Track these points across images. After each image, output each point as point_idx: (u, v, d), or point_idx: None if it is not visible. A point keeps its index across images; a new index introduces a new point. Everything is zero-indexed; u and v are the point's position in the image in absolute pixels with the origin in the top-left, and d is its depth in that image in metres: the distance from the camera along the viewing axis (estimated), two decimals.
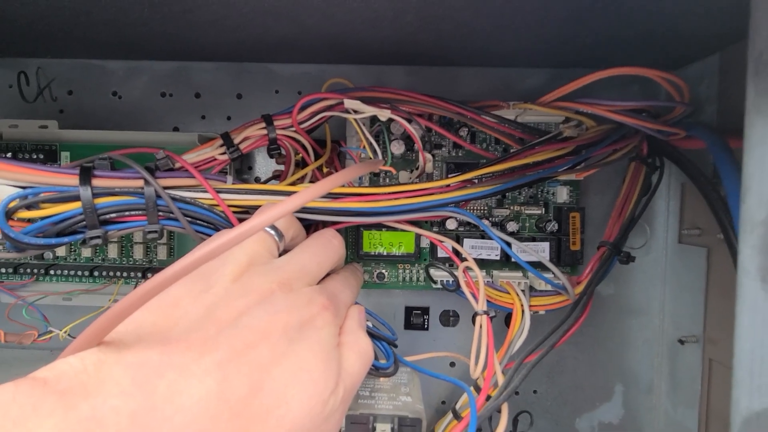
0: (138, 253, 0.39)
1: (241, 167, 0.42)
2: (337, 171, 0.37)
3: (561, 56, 0.38)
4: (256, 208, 0.31)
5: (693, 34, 0.32)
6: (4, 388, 0.16)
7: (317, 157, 0.35)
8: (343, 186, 0.32)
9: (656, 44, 0.34)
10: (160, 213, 0.28)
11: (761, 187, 0.20)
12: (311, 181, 0.35)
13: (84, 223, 0.27)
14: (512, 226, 0.38)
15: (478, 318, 0.32)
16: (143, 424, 0.17)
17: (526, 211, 0.39)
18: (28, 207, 0.26)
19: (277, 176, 0.38)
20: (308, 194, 0.22)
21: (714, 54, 0.36)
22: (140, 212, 0.28)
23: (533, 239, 0.38)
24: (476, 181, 0.35)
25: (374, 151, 0.33)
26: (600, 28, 0.31)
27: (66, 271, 0.38)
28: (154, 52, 0.40)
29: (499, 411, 0.30)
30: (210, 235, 0.30)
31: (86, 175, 0.27)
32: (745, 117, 0.21)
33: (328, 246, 0.29)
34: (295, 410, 0.20)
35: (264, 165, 0.42)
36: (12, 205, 0.26)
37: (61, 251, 0.39)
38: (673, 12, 0.28)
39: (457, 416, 0.36)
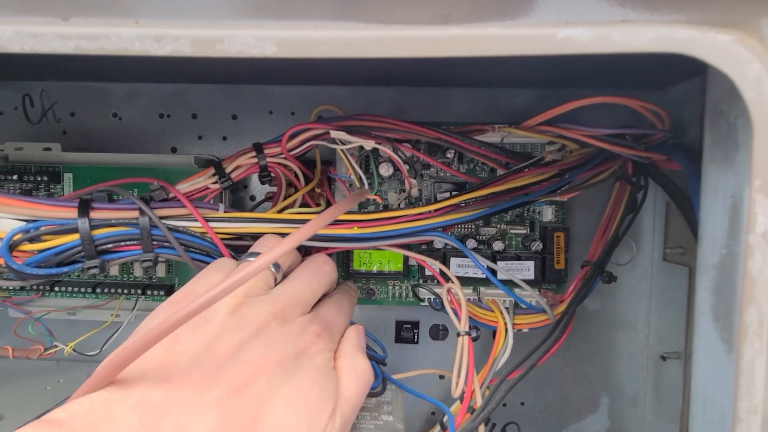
0: (138, 270, 0.40)
1: (237, 186, 0.43)
2: (326, 193, 0.38)
3: (547, 79, 0.39)
4: (247, 235, 0.32)
5: (675, 57, 0.32)
6: (23, 431, 0.17)
7: (308, 180, 0.36)
8: None
9: (640, 67, 0.34)
10: (155, 242, 0.30)
11: (714, 233, 0.20)
12: (302, 205, 0.37)
13: (83, 253, 0.29)
14: (498, 245, 0.39)
15: (459, 339, 0.33)
16: None
17: (512, 231, 0.40)
18: (30, 240, 0.28)
19: (270, 198, 0.39)
20: (301, 235, 0.25)
21: (697, 76, 0.36)
22: (135, 242, 0.29)
23: (518, 258, 0.39)
24: (463, 204, 0.36)
25: (361, 180, 0.34)
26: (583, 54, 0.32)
27: (70, 288, 0.40)
28: (153, 75, 0.41)
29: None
30: (204, 262, 0.31)
31: (84, 208, 0.29)
32: (702, 164, 0.21)
33: (321, 272, 0.30)
34: None
35: (258, 184, 0.43)
36: (16, 238, 0.28)
37: None
38: None
39: (444, 429, 0.37)
